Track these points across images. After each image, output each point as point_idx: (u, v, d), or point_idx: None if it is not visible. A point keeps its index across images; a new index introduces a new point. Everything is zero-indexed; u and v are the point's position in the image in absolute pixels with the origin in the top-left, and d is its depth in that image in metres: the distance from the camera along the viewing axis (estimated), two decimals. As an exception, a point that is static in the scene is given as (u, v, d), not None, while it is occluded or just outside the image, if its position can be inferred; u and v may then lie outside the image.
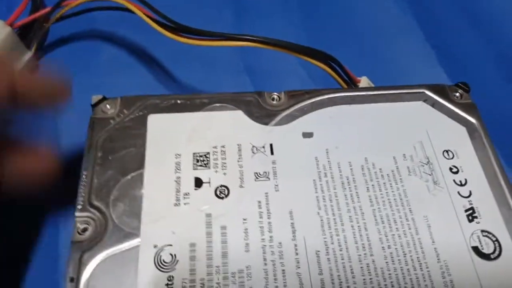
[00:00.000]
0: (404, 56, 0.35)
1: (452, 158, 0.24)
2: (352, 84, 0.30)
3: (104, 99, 0.25)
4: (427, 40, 0.36)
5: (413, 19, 0.37)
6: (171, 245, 0.20)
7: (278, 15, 0.37)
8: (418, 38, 0.36)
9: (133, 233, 0.21)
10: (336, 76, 0.29)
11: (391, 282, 0.20)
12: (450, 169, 0.24)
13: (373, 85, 0.30)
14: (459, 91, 0.28)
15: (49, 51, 0.34)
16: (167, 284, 0.19)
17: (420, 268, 0.21)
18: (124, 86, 0.29)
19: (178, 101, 0.25)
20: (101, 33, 0.35)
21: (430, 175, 0.24)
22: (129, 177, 0.22)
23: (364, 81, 0.31)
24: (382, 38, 0.36)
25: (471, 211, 0.23)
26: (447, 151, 0.25)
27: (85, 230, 0.21)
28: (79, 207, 0.21)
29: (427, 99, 0.27)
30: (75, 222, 0.21)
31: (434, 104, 0.27)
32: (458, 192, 0.23)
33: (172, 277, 0.20)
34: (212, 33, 0.27)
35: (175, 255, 0.20)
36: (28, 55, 0.31)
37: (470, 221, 0.22)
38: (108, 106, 0.25)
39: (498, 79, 0.35)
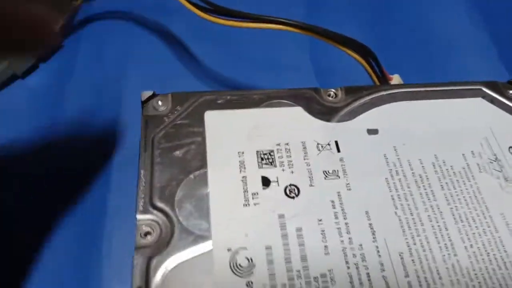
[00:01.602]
0: (474, 72, 0.33)
1: (519, 154, 0.24)
2: (384, 80, 0.29)
3: (154, 95, 0.24)
4: (500, 59, 0.34)
5: (486, 35, 0.36)
6: (246, 248, 0.19)
7: (348, 14, 0.36)
8: (490, 55, 0.35)
9: (204, 236, 0.19)
10: (371, 72, 0.28)
11: (479, 282, 0.19)
12: (519, 164, 0.24)
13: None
14: (512, 89, 0.27)
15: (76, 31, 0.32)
16: (247, 291, 0.18)
17: (506, 267, 0.20)
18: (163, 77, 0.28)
19: (233, 97, 0.24)
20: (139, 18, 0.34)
21: (500, 171, 0.23)
22: (192, 176, 0.21)
23: (396, 79, 0.30)
24: (450, 50, 0.35)
25: (546, 208, 0.22)
26: (513, 147, 0.24)
27: (147, 233, 0.19)
28: (141, 208, 0.20)
29: (485, 96, 0.26)
30: (137, 226, 0.19)
31: (493, 101, 0.26)
32: (531, 188, 0.23)
33: (251, 282, 0.18)
34: (247, 14, 0.26)
35: (251, 259, 0.19)
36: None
37: (547, 218, 0.22)
38: (160, 102, 0.23)
39: None
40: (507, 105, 0.26)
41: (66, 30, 0.31)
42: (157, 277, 0.18)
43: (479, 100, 0.26)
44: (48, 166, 0.26)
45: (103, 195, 0.25)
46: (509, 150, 0.24)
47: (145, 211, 0.20)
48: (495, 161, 0.23)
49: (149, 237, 0.19)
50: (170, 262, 0.18)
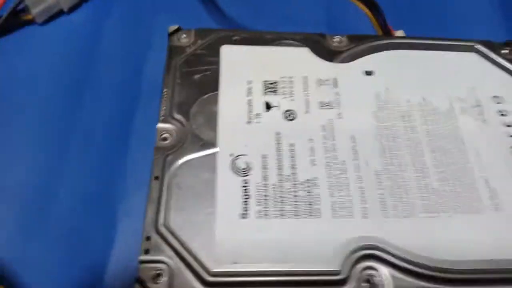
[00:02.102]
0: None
1: (501, 103, 0.26)
2: (388, 33, 0.31)
3: (179, 29, 0.27)
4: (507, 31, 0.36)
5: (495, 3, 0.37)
6: (245, 154, 0.22)
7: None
8: (495, 24, 0.36)
9: (211, 142, 0.23)
10: (376, 24, 0.30)
11: (445, 201, 0.22)
12: (499, 112, 0.26)
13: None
14: (508, 48, 0.29)
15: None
16: (243, 186, 0.21)
17: (471, 192, 0.22)
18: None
19: (248, 35, 0.27)
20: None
21: (481, 115, 0.25)
22: (205, 96, 0.24)
23: (399, 33, 0.31)
24: (458, 17, 0.36)
25: (519, 149, 0.24)
26: (496, 97, 0.26)
27: (165, 139, 0.23)
28: (162, 118, 0.24)
29: (478, 52, 0.28)
30: (157, 132, 0.23)
31: (485, 57, 0.28)
32: (506, 132, 0.25)
33: (247, 181, 0.22)
34: None
35: (249, 163, 0.22)
36: None
37: (518, 157, 0.24)
38: (184, 35, 0.27)
39: None
40: (499, 62, 0.28)
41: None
42: (171, 169, 0.22)
43: (472, 54, 0.28)
44: (85, 91, 0.31)
45: (132, 118, 0.29)
46: (492, 99, 0.26)
47: (164, 121, 0.24)
48: (477, 107, 0.26)
49: (166, 141, 0.23)
50: (182, 159, 0.22)
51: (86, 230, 0.25)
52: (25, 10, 0.32)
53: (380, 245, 0.20)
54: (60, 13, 0.33)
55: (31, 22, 0.32)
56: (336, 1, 0.36)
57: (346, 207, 0.21)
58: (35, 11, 0.32)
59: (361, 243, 0.20)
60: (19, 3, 0.31)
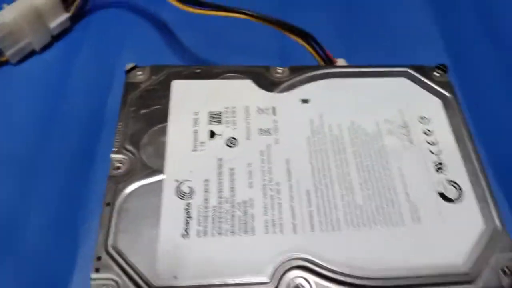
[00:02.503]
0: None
1: (426, 123, 0.29)
2: (329, 62, 0.34)
3: (135, 67, 0.30)
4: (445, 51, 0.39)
5: (436, 29, 0.40)
6: (189, 180, 0.25)
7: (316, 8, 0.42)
8: (437, 47, 0.39)
9: (159, 170, 0.25)
10: (315, 53, 0.33)
11: (367, 216, 0.25)
12: (424, 132, 0.28)
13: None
14: (438, 71, 0.32)
15: (86, 16, 0.39)
16: (185, 209, 0.24)
17: (393, 206, 0.25)
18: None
19: (197, 71, 0.30)
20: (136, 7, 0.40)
21: (406, 136, 0.28)
22: (156, 128, 0.27)
23: (340, 62, 0.34)
24: (400, 41, 0.40)
25: (439, 164, 0.27)
26: (422, 118, 0.29)
27: (118, 168, 0.26)
28: (115, 149, 0.26)
29: (409, 77, 0.31)
30: (111, 162, 0.26)
31: (416, 81, 0.31)
32: (429, 150, 0.27)
33: (190, 204, 0.24)
34: (211, 4, 0.31)
35: (192, 188, 0.25)
36: (64, 16, 0.36)
37: (438, 172, 0.26)
38: (139, 72, 0.30)
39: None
40: (429, 85, 0.31)
41: (77, 16, 0.38)
42: (122, 196, 0.24)
43: (402, 79, 0.31)
44: (54, 123, 0.33)
45: (96, 148, 0.32)
46: (418, 120, 0.29)
47: (118, 152, 0.26)
48: (404, 127, 0.28)
49: (119, 170, 0.26)
50: (131, 186, 0.25)
51: (51, 251, 0.28)
52: (0, 52, 0.35)
53: (307, 257, 0.23)
54: (33, 52, 0.37)
55: (5, 62, 0.36)
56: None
57: (278, 224, 0.24)
58: (9, 52, 0.35)
59: (290, 255, 0.23)
60: (-7, 47, 0.34)
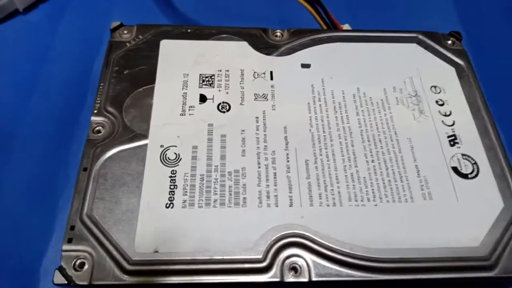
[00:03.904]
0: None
1: (439, 92, 0.26)
2: (333, 27, 0.31)
3: (121, 25, 0.28)
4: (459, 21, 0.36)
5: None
6: (175, 146, 0.23)
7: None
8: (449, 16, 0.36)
9: (142, 134, 0.23)
10: (318, 18, 0.31)
11: (372, 189, 0.22)
12: (436, 101, 0.26)
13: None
14: (452, 39, 0.29)
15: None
16: (170, 177, 0.22)
17: (401, 180, 0.23)
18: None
19: (188, 30, 0.28)
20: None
21: (416, 105, 0.25)
22: (141, 89, 0.25)
23: (346, 27, 0.32)
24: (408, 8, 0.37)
25: (453, 137, 0.24)
26: (435, 87, 0.26)
27: (99, 131, 0.23)
28: (95, 111, 0.24)
29: (421, 42, 0.28)
30: (90, 124, 0.24)
31: (427, 47, 0.28)
32: (442, 121, 0.25)
33: (175, 171, 0.22)
34: None
35: (178, 154, 0.22)
36: None
37: (451, 145, 0.24)
38: (125, 31, 0.27)
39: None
40: (441, 52, 0.28)
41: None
42: (100, 161, 0.22)
43: (413, 45, 0.28)
44: (36, 88, 0.31)
45: (79, 111, 0.29)
46: (430, 88, 0.26)
47: (98, 114, 0.24)
48: (414, 96, 0.26)
49: (99, 134, 0.23)
50: (111, 151, 0.22)
51: (27, 219, 0.25)
52: (-21, 9, 0.33)
53: (304, 233, 0.21)
54: (15, 12, 0.34)
55: (-16, 21, 0.33)
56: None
57: (272, 196, 0.22)
58: (-12, 10, 0.32)
59: (285, 231, 0.21)
60: (-28, 3, 0.32)
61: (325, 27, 0.30)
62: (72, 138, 0.28)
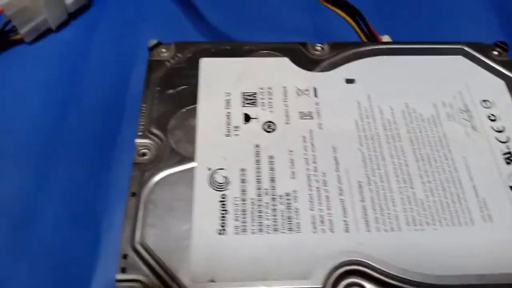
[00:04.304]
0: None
1: (490, 107, 0.25)
2: (373, 39, 0.30)
3: (159, 43, 0.27)
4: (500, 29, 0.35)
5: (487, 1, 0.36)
6: (223, 168, 0.22)
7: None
8: (490, 24, 0.35)
9: (189, 157, 0.22)
10: (358, 30, 0.30)
11: (431, 212, 0.21)
12: (488, 117, 0.25)
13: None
14: (498, 50, 0.28)
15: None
16: (220, 201, 0.21)
17: (459, 202, 0.22)
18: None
19: (227, 48, 0.27)
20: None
21: (468, 121, 0.25)
22: (184, 110, 0.24)
23: (386, 39, 0.31)
24: (449, 17, 0.36)
25: (508, 155, 0.23)
26: (485, 101, 0.25)
27: (144, 154, 0.23)
28: (140, 133, 0.23)
29: (467, 54, 0.28)
30: (135, 147, 0.23)
31: (473, 59, 0.27)
32: (496, 138, 0.24)
33: (225, 195, 0.21)
34: None
35: (227, 177, 0.22)
36: None
37: (508, 163, 0.23)
38: (163, 50, 0.27)
39: None
40: (488, 64, 0.27)
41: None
42: (149, 186, 0.22)
43: (459, 58, 0.27)
44: (72, 106, 0.31)
45: (117, 130, 0.29)
46: (480, 103, 0.25)
47: (143, 136, 0.23)
48: (465, 112, 0.25)
49: (145, 157, 0.23)
50: (159, 175, 0.22)
51: (71, 245, 0.25)
52: (14, 30, 0.32)
53: (364, 260, 0.20)
54: (49, 31, 0.34)
55: (20, 41, 0.33)
56: (321, 9, 0.36)
57: (327, 221, 0.21)
58: (23, 30, 0.32)
59: (344, 259, 0.20)
60: (7, 23, 0.32)
61: (365, 40, 0.29)
62: (111, 160, 0.28)
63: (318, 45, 0.28)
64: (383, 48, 0.27)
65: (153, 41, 0.27)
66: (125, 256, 0.20)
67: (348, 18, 0.28)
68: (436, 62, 0.27)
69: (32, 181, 0.27)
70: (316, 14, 0.36)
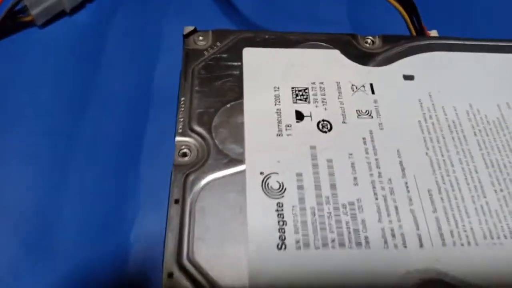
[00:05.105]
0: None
1: (559, 110, 0.24)
2: (422, 34, 0.28)
3: (195, 30, 0.24)
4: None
5: None
6: (277, 173, 0.20)
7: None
8: None
9: (238, 159, 0.20)
10: (410, 23, 0.28)
11: (507, 224, 0.19)
12: (558, 120, 0.23)
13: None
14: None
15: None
16: (277, 210, 0.19)
17: (536, 213, 0.20)
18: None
19: (271, 37, 0.24)
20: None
21: (537, 124, 0.23)
22: (229, 105, 0.22)
23: (434, 34, 0.29)
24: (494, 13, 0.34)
25: None
26: (553, 103, 0.24)
27: (185, 154, 0.20)
28: (180, 130, 0.21)
29: (529, 52, 0.26)
30: (176, 146, 0.21)
31: (536, 58, 0.26)
32: None
33: (282, 204, 0.19)
34: None
35: (282, 183, 0.19)
36: None
37: None
38: (200, 37, 0.24)
39: None
40: (552, 63, 0.26)
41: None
42: (193, 191, 0.19)
43: (522, 55, 0.25)
44: (88, 98, 0.28)
45: (141, 128, 0.27)
46: (548, 105, 0.24)
47: (183, 134, 0.21)
48: (533, 114, 0.23)
49: (186, 157, 0.20)
50: (206, 179, 0.19)
51: (95, 260, 0.22)
52: (24, 10, 0.29)
53: (444, 280, 0.18)
54: (62, 14, 0.30)
55: (30, 23, 0.30)
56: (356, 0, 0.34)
57: (398, 234, 0.19)
58: (34, 12, 0.29)
59: (421, 277, 0.18)
60: (17, 3, 0.28)
61: (414, 33, 0.27)
62: (139, 161, 0.25)
63: (369, 37, 0.25)
64: (439, 43, 0.25)
65: (189, 28, 0.24)
66: (170, 275, 0.17)
67: (402, 10, 0.26)
68: (496, 59, 0.25)
69: (47, 188, 0.24)
70: (351, 4, 0.34)
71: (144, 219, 0.24)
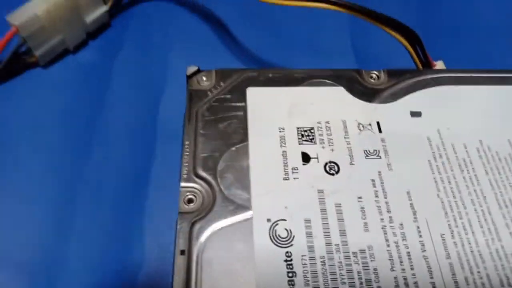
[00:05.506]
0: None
1: None
2: (427, 65, 0.28)
3: (199, 70, 0.24)
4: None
5: None
6: (285, 219, 0.19)
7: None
8: None
9: (244, 206, 0.19)
10: (415, 56, 0.28)
11: (525, 270, 0.19)
12: None
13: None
14: None
15: (125, 10, 0.33)
16: (285, 260, 0.18)
17: (555, 257, 0.19)
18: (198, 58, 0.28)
19: (275, 75, 0.24)
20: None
21: (550, 160, 0.22)
22: (234, 148, 0.21)
23: (439, 65, 0.29)
24: (498, 40, 0.34)
25: None
26: None
27: (191, 201, 0.20)
28: (185, 176, 0.20)
29: (537, 84, 0.25)
30: (181, 193, 0.20)
31: (544, 89, 0.25)
32: None
33: (290, 253, 0.18)
34: None
35: (290, 230, 0.19)
36: (103, 9, 0.31)
37: None
38: (204, 78, 0.24)
39: None
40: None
41: (114, 9, 0.32)
42: (200, 241, 0.18)
43: (531, 87, 0.25)
44: (94, 138, 0.28)
45: (147, 166, 0.26)
46: (560, 139, 0.23)
47: (188, 179, 0.20)
48: (545, 150, 0.23)
49: (192, 204, 0.20)
50: (212, 228, 0.19)
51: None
52: (28, 52, 0.29)
53: (457, 331, 0.17)
54: (65, 52, 0.31)
55: (34, 64, 0.30)
56: (359, 32, 0.34)
57: (412, 284, 0.18)
58: (39, 52, 0.29)
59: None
60: (21, 45, 0.28)
61: (420, 67, 0.27)
62: (145, 200, 0.25)
63: (374, 72, 0.25)
64: (446, 77, 0.25)
65: (193, 68, 0.24)
66: (179, 332, 0.17)
67: (406, 44, 0.26)
68: (504, 92, 0.25)
69: (50, 228, 0.24)
70: (355, 35, 0.34)
71: (150, 267, 0.23)
